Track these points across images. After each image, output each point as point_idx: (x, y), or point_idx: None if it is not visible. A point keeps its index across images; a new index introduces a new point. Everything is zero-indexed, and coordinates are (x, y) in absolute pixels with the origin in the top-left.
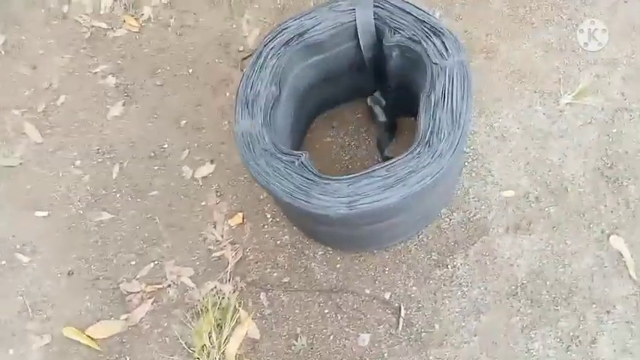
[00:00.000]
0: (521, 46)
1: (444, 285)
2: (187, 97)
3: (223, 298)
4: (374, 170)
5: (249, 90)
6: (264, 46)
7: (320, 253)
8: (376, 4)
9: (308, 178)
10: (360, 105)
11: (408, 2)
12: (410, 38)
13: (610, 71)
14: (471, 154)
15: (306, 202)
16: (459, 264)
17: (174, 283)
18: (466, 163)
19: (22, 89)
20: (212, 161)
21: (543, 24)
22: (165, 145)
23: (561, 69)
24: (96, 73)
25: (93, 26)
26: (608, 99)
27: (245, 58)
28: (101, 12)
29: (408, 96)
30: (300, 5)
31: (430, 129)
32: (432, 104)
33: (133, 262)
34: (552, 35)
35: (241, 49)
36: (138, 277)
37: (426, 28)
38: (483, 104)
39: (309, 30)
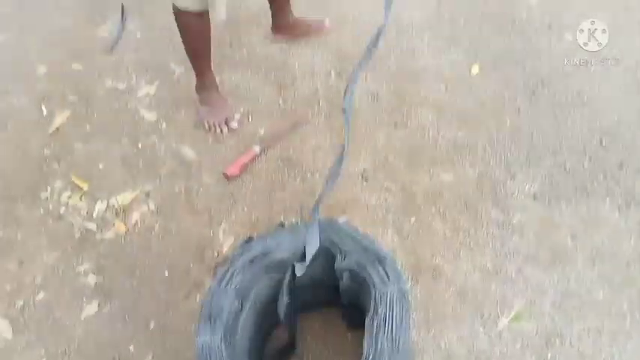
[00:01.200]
0: (462, 267)
1: None
2: (160, 300)
3: None
4: None
5: (213, 305)
6: (231, 263)
7: None
8: (331, 230)
9: None
10: (318, 317)
11: (356, 231)
12: (357, 263)
13: (540, 297)
14: None
15: None
16: None
17: None
18: None
19: (4, 284)
20: None
21: (480, 248)
22: (132, 348)
23: (498, 292)
24: (79, 271)
25: (85, 228)
26: (541, 324)
27: (217, 265)
28: (94, 215)
29: (359, 314)
30: (272, 219)
31: (372, 354)
32: (374, 328)
33: None
34: (488, 259)
35: (216, 255)
36: None
37: (370, 255)
38: (430, 322)
39: (272, 250)
